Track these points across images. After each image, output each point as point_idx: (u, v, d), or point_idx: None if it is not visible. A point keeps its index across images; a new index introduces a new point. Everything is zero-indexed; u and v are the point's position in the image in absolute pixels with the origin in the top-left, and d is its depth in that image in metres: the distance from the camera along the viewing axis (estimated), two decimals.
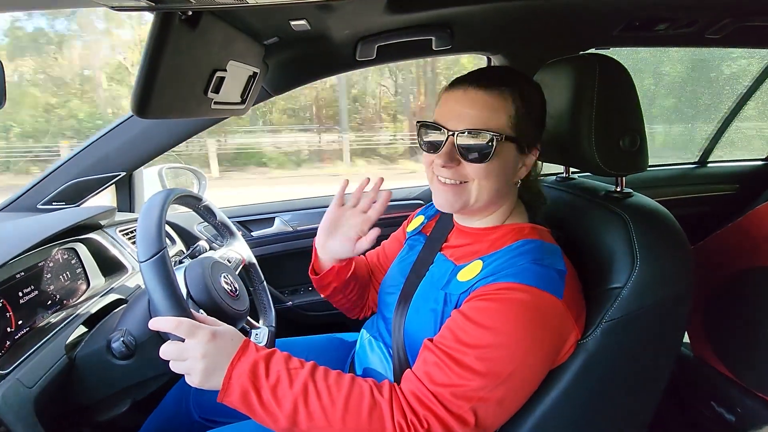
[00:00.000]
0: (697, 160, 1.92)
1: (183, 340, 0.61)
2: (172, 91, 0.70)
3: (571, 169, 0.99)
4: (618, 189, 0.81)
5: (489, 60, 1.36)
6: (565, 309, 0.63)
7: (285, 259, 1.48)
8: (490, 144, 0.65)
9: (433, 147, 0.70)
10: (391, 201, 0.86)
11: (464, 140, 0.66)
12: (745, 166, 1.91)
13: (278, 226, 1.48)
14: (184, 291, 0.78)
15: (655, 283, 0.69)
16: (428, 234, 0.86)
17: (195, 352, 0.60)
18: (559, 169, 0.98)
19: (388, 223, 1.02)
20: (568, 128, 0.80)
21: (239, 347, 0.62)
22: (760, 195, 1.89)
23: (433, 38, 1.12)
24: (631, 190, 0.83)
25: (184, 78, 0.73)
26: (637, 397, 0.75)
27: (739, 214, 1.90)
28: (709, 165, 1.88)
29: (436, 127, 0.69)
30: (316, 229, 0.86)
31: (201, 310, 0.77)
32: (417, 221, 0.93)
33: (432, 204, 0.80)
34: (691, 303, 0.74)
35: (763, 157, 1.97)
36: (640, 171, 0.79)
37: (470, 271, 0.70)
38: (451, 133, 0.67)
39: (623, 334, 0.67)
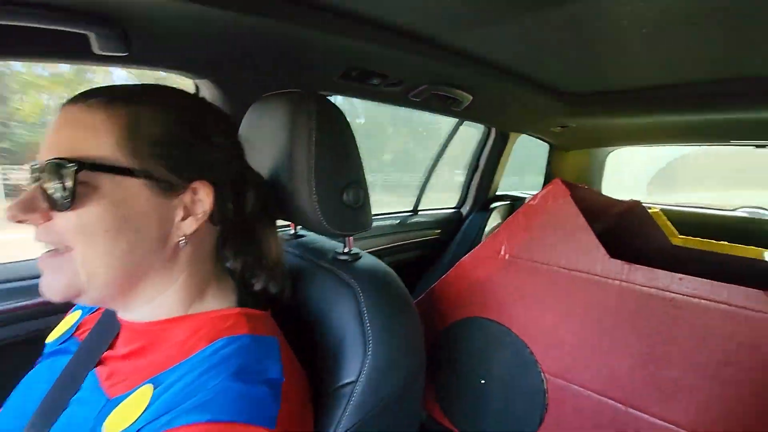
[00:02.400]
0: (411, 208, 2.17)
1: None
2: None
3: None
4: (346, 250, 0.70)
5: (196, 86, 1.08)
6: None
7: None
8: (73, 180, 0.41)
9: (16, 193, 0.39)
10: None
11: (47, 177, 0.39)
12: (444, 213, 2.29)
13: None
14: None
15: (392, 367, 0.58)
16: (82, 339, 0.54)
17: None
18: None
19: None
20: (287, 177, 0.63)
21: None
22: (454, 237, 2.31)
23: (92, 35, 0.75)
24: (360, 251, 0.72)
25: None
26: None
27: (442, 257, 2.25)
28: (419, 212, 2.16)
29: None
30: None
31: None
32: (69, 320, 0.59)
33: None
34: (425, 371, 0.66)
35: (455, 205, 2.43)
36: (365, 229, 0.70)
37: (129, 410, 0.42)
38: (33, 168, 0.39)
39: None
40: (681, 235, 2.68)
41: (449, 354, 1.09)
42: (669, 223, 2.71)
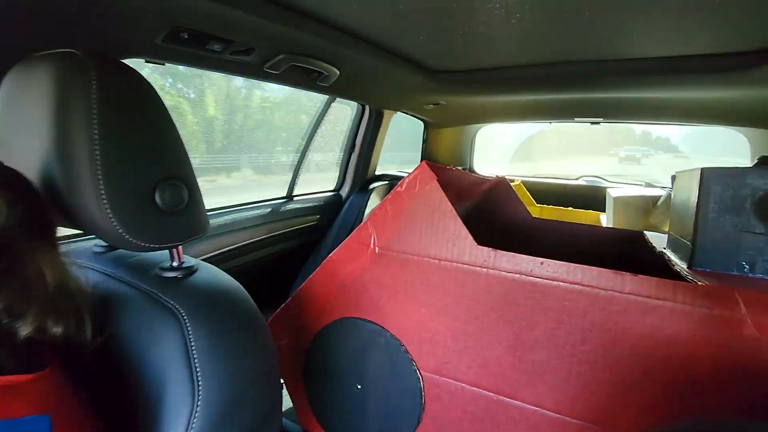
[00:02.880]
0: (286, 194, 1.99)
1: None
2: None
3: None
4: (174, 264, 0.55)
5: None
6: None
7: None
8: None
9: None
10: None
11: None
12: (322, 197, 2.15)
13: None
14: None
15: (232, 412, 0.48)
16: None
17: None
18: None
19: None
20: (61, 173, 0.44)
21: None
22: (335, 221, 2.21)
23: None
24: (196, 262, 0.57)
25: None
26: None
27: (323, 243, 2.13)
28: (295, 198, 1.99)
29: None
30: None
31: None
32: None
33: None
34: (281, 399, 0.56)
35: (333, 188, 2.31)
36: (196, 236, 0.53)
37: None
38: None
39: None
40: (538, 203, 2.99)
41: (323, 361, 0.98)
42: (528, 193, 2.99)
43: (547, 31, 1.18)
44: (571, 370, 0.73)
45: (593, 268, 0.71)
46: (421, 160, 3.09)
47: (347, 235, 0.99)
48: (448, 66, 1.71)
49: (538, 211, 2.94)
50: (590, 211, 2.77)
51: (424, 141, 2.91)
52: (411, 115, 2.53)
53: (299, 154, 1.98)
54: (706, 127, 2.51)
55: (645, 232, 1.42)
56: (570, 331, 0.73)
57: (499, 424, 0.80)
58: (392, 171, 2.50)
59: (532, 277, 0.76)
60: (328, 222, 2.10)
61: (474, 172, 3.34)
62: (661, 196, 1.94)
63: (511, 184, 2.98)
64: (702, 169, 0.90)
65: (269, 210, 1.78)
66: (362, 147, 2.17)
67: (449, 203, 0.83)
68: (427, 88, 1.95)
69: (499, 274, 0.78)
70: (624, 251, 1.46)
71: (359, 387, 0.94)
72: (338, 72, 1.42)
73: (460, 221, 0.82)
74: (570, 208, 2.89)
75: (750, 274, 0.87)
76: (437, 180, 0.84)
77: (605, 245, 1.52)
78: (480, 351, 0.81)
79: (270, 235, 1.76)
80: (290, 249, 1.90)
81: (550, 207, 2.92)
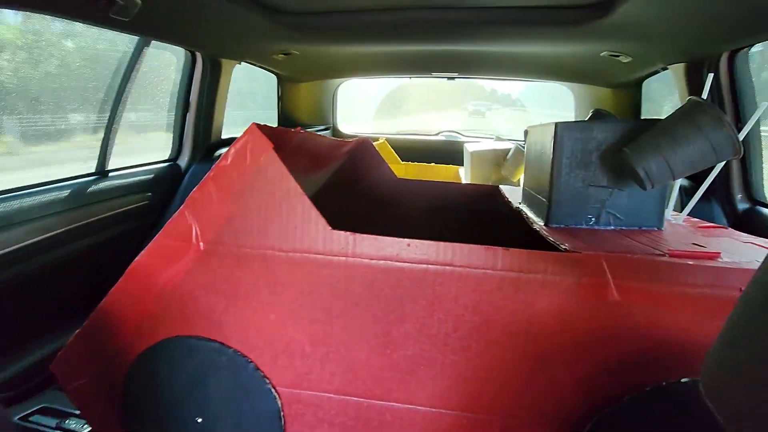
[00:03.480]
0: (96, 169, 1.53)
1: None
2: None
3: None
4: None
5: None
6: None
7: None
8: None
9: None
10: None
11: None
12: (153, 170, 1.73)
13: None
14: None
15: None
16: None
17: None
18: None
19: None
20: None
21: None
22: (173, 199, 1.82)
23: None
24: None
25: None
26: None
27: (157, 228, 1.73)
28: (111, 174, 1.54)
29: None
30: None
31: None
32: None
33: None
34: None
35: (168, 157, 1.88)
36: None
37: None
38: None
39: None
40: (403, 161, 2.99)
41: (147, 395, 0.74)
42: (393, 151, 2.96)
43: None
44: (445, 361, 0.65)
45: (464, 245, 0.62)
46: (278, 121, 2.78)
47: None
48: (294, 5, 1.44)
49: (403, 168, 2.95)
50: (450, 165, 2.87)
51: (279, 98, 2.60)
52: (260, 67, 2.18)
53: (108, 115, 1.52)
54: (541, 82, 2.76)
55: (500, 186, 1.46)
56: (442, 319, 0.64)
57: (371, 430, 0.69)
58: None
59: (399, 263, 0.63)
60: (163, 201, 1.71)
61: (338, 130, 3.17)
62: (510, 149, 2.05)
63: (376, 142, 2.91)
64: (556, 124, 0.87)
65: (70, 192, 1.34)
66: (199, 105, 1.78)
67: (293, 179, 0.64)
68: (272, 33, 1.65)
69: (361, 262, 0.64)
70: (482, 206, 1.48)
71: (200, 420, 0.73)
72: (140, 2, 1.05)
73: (308, 202, 0.64)
74: (432, 164, 2.97)
75: (595, 226, 0.90)
76: (274, 148, 0.64)
77: (466, 201, 1.52)
78: (345, 354, 0.67)
79: (76, 225, 1.33)
80: (111, 240, 1.49)
81: (415, 164, 2.95)
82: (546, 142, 0.93)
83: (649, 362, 0.59)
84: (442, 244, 0.62)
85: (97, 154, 1.52)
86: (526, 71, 2.41)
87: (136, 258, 0.70)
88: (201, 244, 0.67)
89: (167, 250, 0.69)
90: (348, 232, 0.64)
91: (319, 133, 2.82)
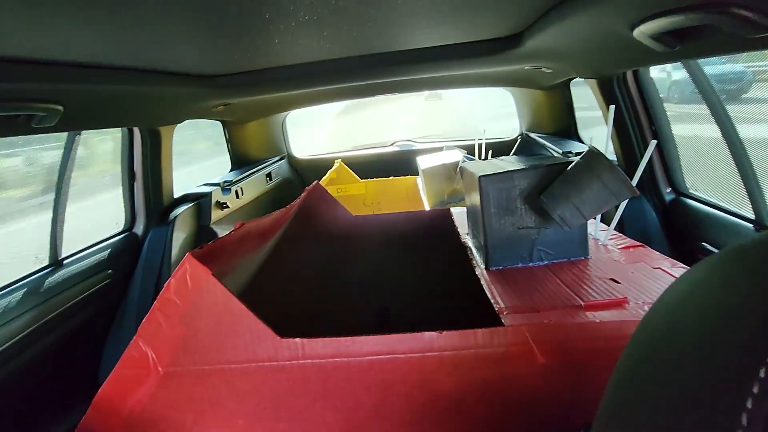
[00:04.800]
0: (49, 261, 1.51)
1: None
2: None
3: None
4: None
5: None
6: None
7: None
8: None
9: None
10: None
11: None
12: (109, 245, 1.71)
13: None
14: None
15: None
16: None
17: None
18: None
19: None
20: None
21: None
22: (134, 271, 1.81)
23: None
24: None
25: None
26: None
27: (124, 304, 1.71)
28: (65, 262, 1.53)
29: None
30: None
31: None
32: None
33: None
34: None
35: (123, 228, 1.86)
36: None
37: None
38: None
39: None
40: (362, 178, 3.03)
41: None
42: (350, 170, 3.00)
43: (330, 31, 1.07)
44: None
45: (404, 336, 0.67)
46: (231, 161, 2.77)
47: (156, 284, 0.76)
48: (225, 68, 1.46)
49: (363, 186, 2.99)
50: (408, 177, 2.94)
51: (228, 140, 2.59)
52: (198, 118, 2.18)
53: (53, 203, 1.50)
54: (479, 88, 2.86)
55: (451, 209, 1.53)
56: (394, 400, 0.69)
57: None
58: (198, 187, 2.15)
59: (348, 358, 0.69)
60: (125, 274, 1.70)
61: (293, 157, 3.17)
62: (458, 162, 2.13)
63: (334, 167, 2.94)
64: (479, 178, 0.94)
65: (25, 291, 1.33)
66: (145, 173, 1.77)
67: (235, 299, 0.68)
68: (207, 96, 1.66)
69: (313, 363, 0.69)
70: (436, 232, 1.54)
71: None
72: (62, 108, 1.05)
73: (254, 317, 0.68)
74: (392, 178, 3.02)
75: (529, 263, 0.98)
76: (213, 274, 0.68)
77: (420, 228, 1.59)
78: None
79: (38, 324, 1.32)
80: (78, 329, 1.48)
81: (374, 180, 3.00)
82: (475, 190, 1.00)
83: (577, 410, 0.67)
84: (383, 337, 0.68)
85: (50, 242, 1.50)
86: (462, 83, 2.50)
87: (99, 390, 0.73)
88: (160, 368, 0.71)
89: (128, 379, 0.72)
90: (296, 339, 0.68)
91: (274, 164, 2.84)
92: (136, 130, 1.66)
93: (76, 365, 1.48)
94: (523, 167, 0.96)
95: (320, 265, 1.52)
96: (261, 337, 0.69)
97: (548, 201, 0.87)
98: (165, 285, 0.69)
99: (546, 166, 0.94)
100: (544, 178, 0.93)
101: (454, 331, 0.67)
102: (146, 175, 1.78)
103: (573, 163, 0.88)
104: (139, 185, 1.78)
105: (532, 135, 2.48)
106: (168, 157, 1.84)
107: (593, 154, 0.84)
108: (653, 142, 0.93)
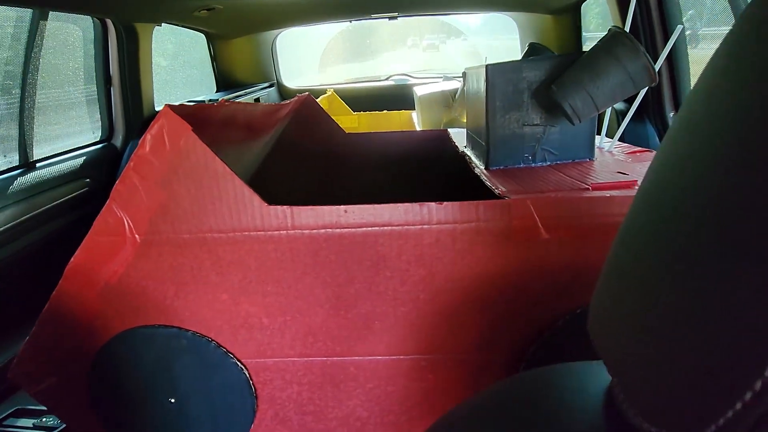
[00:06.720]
0: (19, 162, 1.41)
1: None
2: None
3: None
4: None
5: None
6: None
7: None
8: None
9: None
10: None
11: None
12: (86, 153, 1.62)
13: None
14: None
15: None
16: None
17: None
18: None
19: None
20: None
21: None
22: (114, 182, 1.72)
23: None
24: None
25: None
26: None
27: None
28: (38, 165, 1.44)
29: None
30: None
31: None
32: None
33: None
34: None
35: (100, 138, 1.76)
36: None
37: None
38: None
39: None
40: (355, 111, 2.91)
41: (114, 388, 0.75)
42: (343, 102, 2.87)
43: None
44: (397, 313, 0.69)
45: (400, 205, 0.63)
46: (216, 81, 2.61)
47: None
48: None
49: (356, 119, 2.88)
50: (403, 111, 2.82)
51: (213, 58, 2.42)
52: (182, 26, 2.01)
53: (18, 99, 1.38)
54: (482, 14, 2.69)
55: (448, 129, 1.46)
56: (389, 276, 0.66)
57: (338, 383, 0.74)
58: (181, 103, 2.02)
59: (339, 229, 0.65)
60: (104, 185, 1.62)
61: (283, 85, 3.02)
62: (457, 89, 2.03)
63: (325, 95, 2.80)
64: (486, 67, 0.87)
65: None
66: (122, 78, 1.64)
67: (219, 160, 0.62)
68: None
69: (302, 234, 0.65)
70: (431, 152, 1.49)
71: (172, 401, 0.75)
72: None
73: (239, 181, 0.63)
74: (385, 111, 2.90)
75: (532, 164, 0.93)
76: (195, 128, 0.61)
77: (415, 148, 1.53)
78: (302, 320, 0.70)
79: (7, 225, 1.25)
80: (53, 234, 1.42)
81: (367, 113, 2.87)
82: (480, 84, 0.93)
83: (578, 289, 0.65)
84: (378, 206, 0.63)
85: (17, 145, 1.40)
86: (466, 5, 2.34)
87: (71, 259, 0.68)
88: (137, 236, 0.66)
89: (102, 247, 0.67)
90: (284, 206, 0.64)
91: (263, 90, 2.69)
92: (111, 26, 1.52)
93: (53, 269, 1.43)
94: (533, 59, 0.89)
95: (315, 180, 1.47)
96: (246, 204, 0.63)
97: (559, 90, 0.81)
98: (140, 141, 0.62)
99: (558, 56, 0.87)
100: (555, 70, 0.86)
101: (455, 203, 0.62)
102: (123, 79, 1.65)
103: (590, 49, 0.81)
104: (116, 91, 1.66)
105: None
106: (147, 61, 1.71)
107: (614, 35, 0.77)
108: (679, 27, 0.85)
